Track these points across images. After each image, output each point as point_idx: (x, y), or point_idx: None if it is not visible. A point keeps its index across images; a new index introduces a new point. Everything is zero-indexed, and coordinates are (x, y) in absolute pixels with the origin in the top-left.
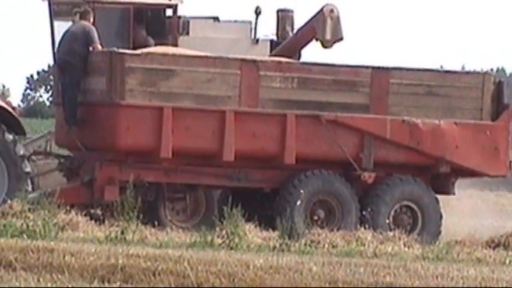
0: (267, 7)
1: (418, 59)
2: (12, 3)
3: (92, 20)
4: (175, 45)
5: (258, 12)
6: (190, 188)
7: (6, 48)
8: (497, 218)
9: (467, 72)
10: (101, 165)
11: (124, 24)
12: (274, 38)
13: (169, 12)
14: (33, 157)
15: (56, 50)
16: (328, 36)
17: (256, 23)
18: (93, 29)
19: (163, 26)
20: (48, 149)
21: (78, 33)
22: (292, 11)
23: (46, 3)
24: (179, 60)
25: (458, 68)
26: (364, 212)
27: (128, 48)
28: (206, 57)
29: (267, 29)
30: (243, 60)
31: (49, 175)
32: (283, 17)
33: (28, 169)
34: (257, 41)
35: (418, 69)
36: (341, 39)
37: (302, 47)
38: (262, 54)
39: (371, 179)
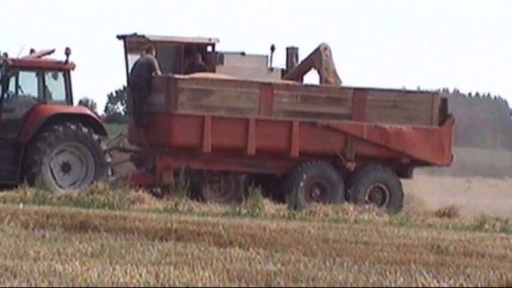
0: (279, 45)
1: (385, 80)
2: (99, 42)
3: (154, 53)
4: (214, 72)
5: (272, 48)
6: (223, 173)
7: (93, 73)
8: (443, 195)
9: (422, 92)
10: (160, 157)
11: (177, 57)
12: (284, 67)
13: (209, 48)
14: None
15: (129, 75)
16: (323, 66)
17: (271, 57)
18: (155, 60)
19: (205, 58)
20: (121, 145)
21: (144, 63)
22: (297, 48)
23: (122, 42)
24: (216, 83)
25: (415, 88)
26: (348, 191)
27: (180, 74)
28: (235, 80)
29: (279, 61)
30: (261, 83)
31: (123, 164)
32: (291, 52)
33: (109, 160)
34: (272, 69)
35: (386, 89)
36: (334, 71)
37: (304, 74)
38: (275, 79)
39: (353, 167)
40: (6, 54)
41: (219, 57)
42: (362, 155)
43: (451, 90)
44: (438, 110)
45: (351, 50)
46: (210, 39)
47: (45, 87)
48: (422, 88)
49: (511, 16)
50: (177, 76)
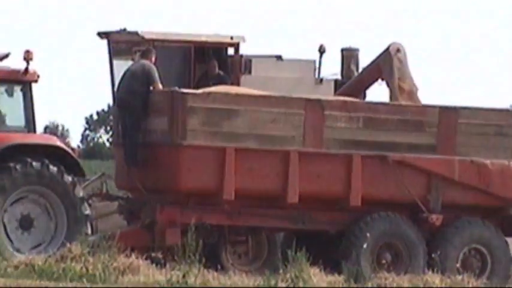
0: (331, 46)
1: (486, 98)
2: (70, 40)
3: (153, 59)
4: (238, 84)
5: (322, 50)
6: (252, 230)
7: (64, 87)
8: None
9: None
10: (162, 208)
11: (185, 63)
12: (339, 77)
13: (231, 50)
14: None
15: (115, 90)
16: (394, 77)
17: (320, 62)
18: (154, 68)
19: (225, 65)
20: (104, 190)
21: (138, 72)
22: (357, 50)
23: (105, 42)
24: (242, 100)
25: None
26: (432, 255)
27: (189, 88)
28: (269, 96)
29: (332, 68)
30: (307, 99)
31: (108, 218)
32: (348, 56)
33: (87, 212)
34: (321, 80)
35: (487, 109)
36: (410, 83)
37: (367, 87)
38: (326, 93)
39: (439, 221)
40: None
41: (246, 64)
42: (452, 203)
43: None
44: None
45: (435, 54)
46: (231, 38)
47: None
48: None
49: None
50: (185, 90)
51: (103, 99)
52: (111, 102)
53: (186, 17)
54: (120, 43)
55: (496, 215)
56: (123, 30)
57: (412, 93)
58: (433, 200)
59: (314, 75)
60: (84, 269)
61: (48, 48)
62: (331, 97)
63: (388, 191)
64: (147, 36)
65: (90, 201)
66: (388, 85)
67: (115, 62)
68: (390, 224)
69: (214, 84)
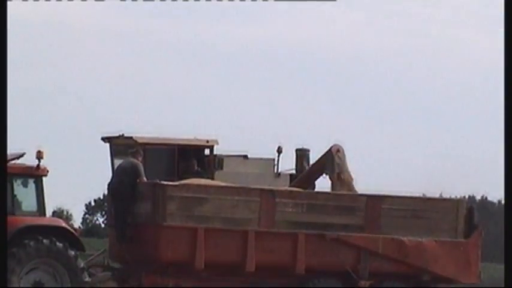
0: (287, 147)
1: (403, 186)
2: (74, 143)
3: (140, 158)
4: (212, 178)
5: (279, 151)
6: None
7: (68, 180)
8: None
9: (445, 199)
10: (146, 274)
11: (170, 161)
12: (294, 172)
13: (207, 151)
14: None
15: (109, 181)
16: (335, 172)
17: (278, 160)
18: (140, 165)
19: (203, 163)
20: (106, 263)
21: (127, 168)
22: (308, 150)
23: (107, 144)
24: (210, 190)
25: (436, 195)
26: None
27: (174, 180)
28: (231, 187)
29: (288, 165)
30: (262, 189)
31: (106, 283)
32: (301, 155)
33: (87, 279)
34: (279, 174)
35: (404, 197)
36: (347, 176)
37: (314, 180)
38: (283, 185)
39: (367, 286)
40: None
41: (218, 162)
42: (377, 271)
43: (478, 198)
44: (464, 220)
45: (366, 152)
46: (207, 141)
47: (14, 196)
48: (445, 195)
49: None
50: (165, 182)
51: (99, 189)
52: (106, 191)
53: (171, 121)
54: (119, 146)
55: (412, 280)
56: (121, 136)
57: (349, 184)
58: (362, 269)
59: (273, 170)
60: None
61: (56, 149)
62: (282, 188)
63: (326, 262)
64: (140, 141)
65: (92, 271)
66: (330, 178)
67: (115, 160)
68: None
69: (193, 178)
